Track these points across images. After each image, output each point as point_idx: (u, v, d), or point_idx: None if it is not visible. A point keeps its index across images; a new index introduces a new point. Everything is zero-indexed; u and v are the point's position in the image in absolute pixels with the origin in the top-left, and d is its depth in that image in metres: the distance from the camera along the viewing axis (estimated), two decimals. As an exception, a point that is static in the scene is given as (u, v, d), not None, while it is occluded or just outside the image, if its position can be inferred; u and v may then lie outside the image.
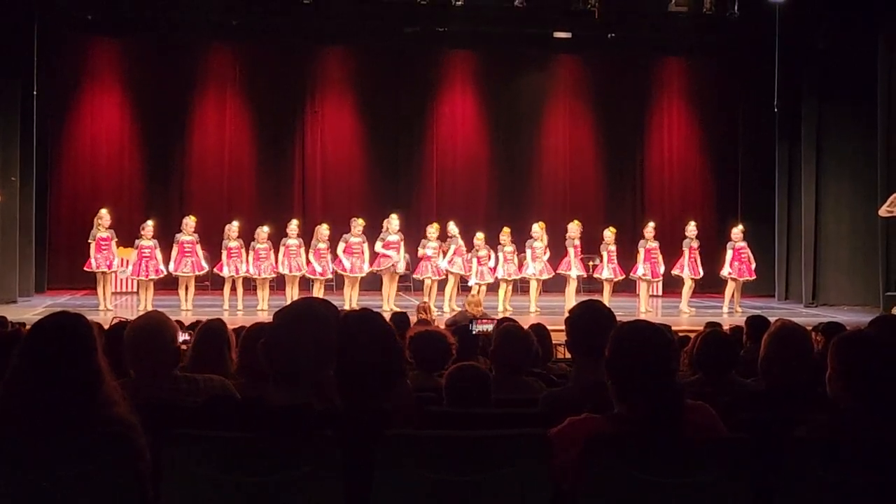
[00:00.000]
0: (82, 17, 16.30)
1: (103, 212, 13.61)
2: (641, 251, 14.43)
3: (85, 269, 13.57)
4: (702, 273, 14.46)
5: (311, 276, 13.99)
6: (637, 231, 16.45)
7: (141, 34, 17.30)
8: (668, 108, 18.96)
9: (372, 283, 14.77)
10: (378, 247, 13.94)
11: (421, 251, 14.24)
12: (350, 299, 13.77)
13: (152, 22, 16.65)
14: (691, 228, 14.48)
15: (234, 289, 13.96)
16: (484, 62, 18.50)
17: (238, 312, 13.33)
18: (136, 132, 17.82)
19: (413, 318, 8.43)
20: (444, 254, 14.16)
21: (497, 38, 17.54)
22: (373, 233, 14.90)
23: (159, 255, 13.56)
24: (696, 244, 14.42)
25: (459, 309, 12.20)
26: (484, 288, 14.03)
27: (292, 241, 13.95)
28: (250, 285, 14.20)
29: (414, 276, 14.68)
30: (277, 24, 17.23)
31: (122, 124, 17.81)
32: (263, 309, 13.57)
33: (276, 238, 14.16)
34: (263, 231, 14.01)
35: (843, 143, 15.92)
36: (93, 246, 13.36)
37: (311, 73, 18.25)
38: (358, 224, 14.03)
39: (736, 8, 15.78)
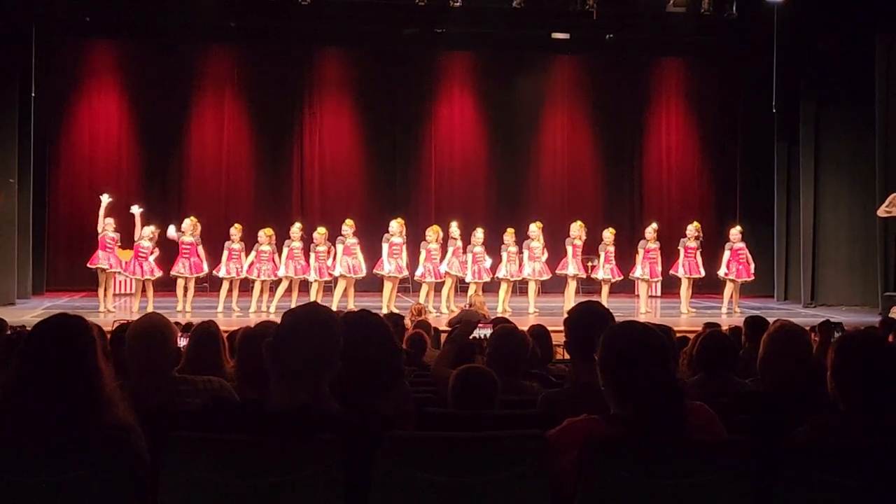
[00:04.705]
0: (80, 20, 16.29)
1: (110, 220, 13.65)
2: (641, 251, 14.43)
3: (89, 265, 13.55)
4: (702, 273, 14.41)
5: (317, 279, 13.92)
6: (635, 232, 16.47)
7: (139, 36, 17.31)
8: (667, 109, 18.97)
9: (369, 285, 14.76)
10: (385, 249, 13.91)
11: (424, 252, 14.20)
12: (349, 300, 13.78)
13: (150, 24, 16.67)
14: (691, 229, 14.42)
15: (230, 290, 13.94)
16: (482, 63, 18.52)
17: (233, 314, 13.34)
18: (135, 134, 17.84)
19: (407, 321, 8.38)
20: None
21: (495, 39, 17.56)
22: (371, 235, 14.91)
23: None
24: (693, 244, 14.34)
25: (458, 310, 12.19)
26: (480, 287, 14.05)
27: (296, 243, 13.95)
28: (248, 287, 14.18)
29: (414, 278, 14.62)
30: (275, 25, 17.26)
31: (121, 126, 17.82)
32: (263, 311, 13.56)
33: (278, 241, 14.14)
34: (266, 233, 13.98)
35: (841, 143, 15.93)
36: (100, 241, 13.39)
37: (309, 75, 18.26)
38: (350, 225, 14.01)
39: (734, 9, 15.78)
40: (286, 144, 18.28)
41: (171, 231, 13.88)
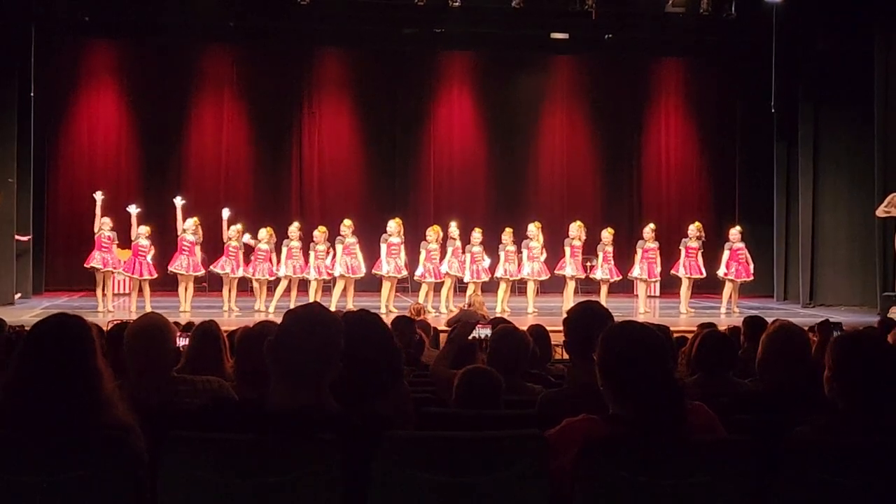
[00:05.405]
0: (80, 20, 16.28)
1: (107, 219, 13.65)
2: (639, 251, 14.42)
3: (85, 265, 13.57)
4: (703, 273, 14.38)
5: (316, 278, 13.91)
6: (634, 232, 16.46)
7: (138, 36, 17.30)
8: (666, 109, 18.97)
9: (368, 285, 14.76)
10: (383, 249, 13.92)
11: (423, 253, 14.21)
12: (348, 299, 13.79)
13: (149, 24, 16.66)
14: (692, 229, 14.41)
15: (230, 289, 13.92)
16: (481, 63, 18.51)
17: (233, 314, 13.32)
18: (134, 134, 17.83)
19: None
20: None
21: (494, 39, 17.56)
22: (370, 234, 14.90)
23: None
24: (695, 244, 14.32)
25: (457, 309, 12.20)
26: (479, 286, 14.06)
27: (294, 243, 13.95)
28: (247, 287, 14.16)
29: (414, 278, 14.61)
30: (274, 25, 17.26)
31: (120, 126, 17.81)
32: (260, 310, 13.56)
33: (277, 240, 14.13)
34: (267, 231, 13.98)
35: (840, 143, 15.93)
36: (96, 240, 13.37)
37: (309, 75, 18.25)
38: (348, 225, 14.00)
39: (733, 9, 15.78)
40: (285, 144, 18.27)
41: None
